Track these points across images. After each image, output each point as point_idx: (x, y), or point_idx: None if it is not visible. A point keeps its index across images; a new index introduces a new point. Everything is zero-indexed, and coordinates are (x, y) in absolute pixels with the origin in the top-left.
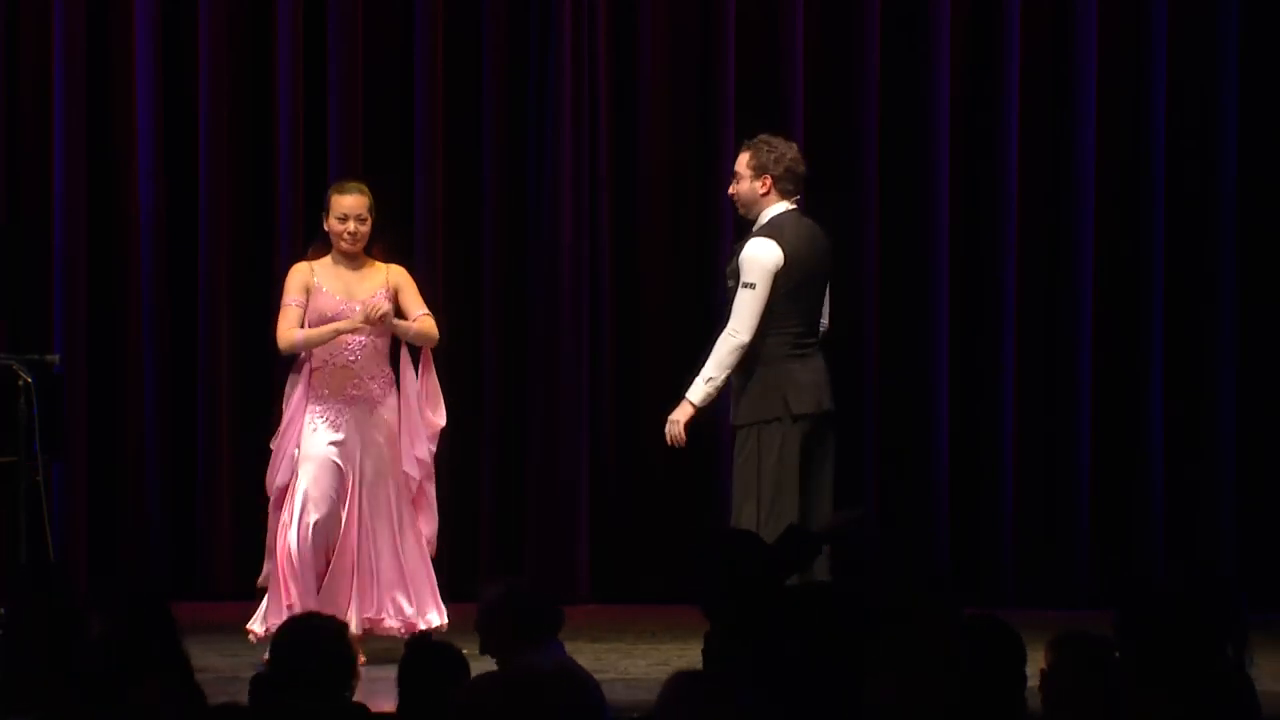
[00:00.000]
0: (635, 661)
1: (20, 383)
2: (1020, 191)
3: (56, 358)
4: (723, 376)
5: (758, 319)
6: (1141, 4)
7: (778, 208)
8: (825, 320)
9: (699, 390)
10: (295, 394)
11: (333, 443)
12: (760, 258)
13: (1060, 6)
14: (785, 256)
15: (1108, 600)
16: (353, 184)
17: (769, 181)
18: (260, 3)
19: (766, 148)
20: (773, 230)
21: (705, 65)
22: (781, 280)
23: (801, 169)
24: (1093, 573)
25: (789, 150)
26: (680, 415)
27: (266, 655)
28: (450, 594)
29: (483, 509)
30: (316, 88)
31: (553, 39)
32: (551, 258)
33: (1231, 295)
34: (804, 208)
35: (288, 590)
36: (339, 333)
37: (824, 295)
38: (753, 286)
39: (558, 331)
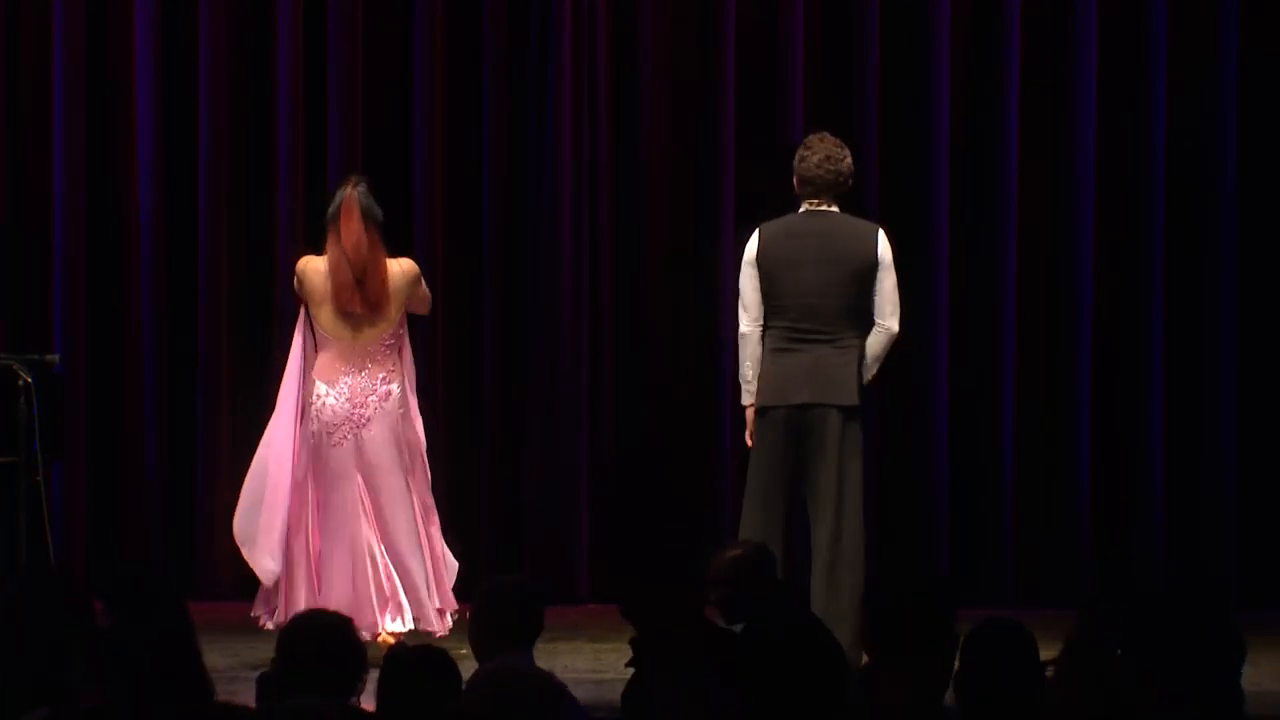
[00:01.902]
0: None
1: (20, 383)
2: (1020, 191)
3: (56, 358)
4: (743, 367)
5: (743, 307)
6: (1141, 4)
7: (801, 208)
8: (881, 318)
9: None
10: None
11: None
12: (747, 247)
13: (1060, 6)
14: (756, 253)
15: (1107, 600)
16: None
17: (795, 181)
18: (260, 3)
19: (800, 148)
20: (763, 226)
21: (705, 66)
22: (757, 275)
23: (823, 174)
24: (1093, 573)
25: (815, 155)
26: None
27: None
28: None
29: (483, 509)
30: (316, 88)
31: (553, 39)
32: (551, 257)
33: (1231, 295)
34: (844, 209)
35: None
36: None
37: (826, 293)
38: (743, 275)
39: (558, 331)
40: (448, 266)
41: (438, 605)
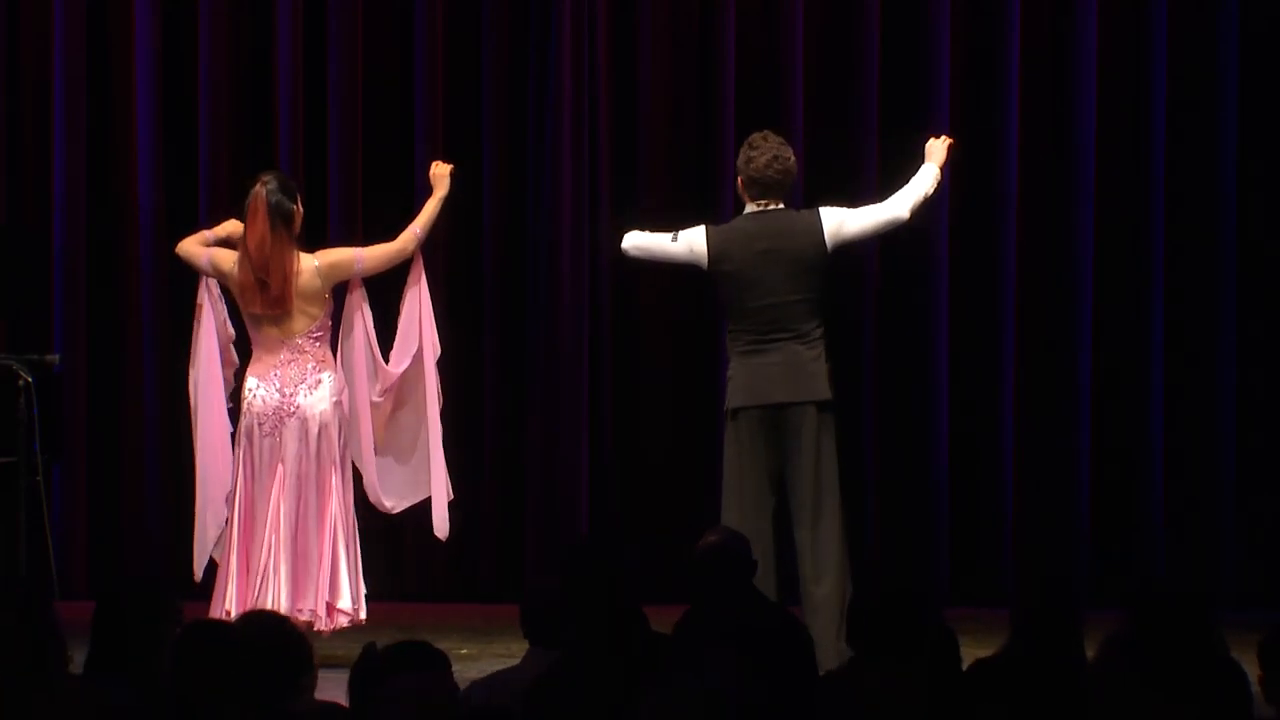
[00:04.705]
0: None
1: (20, 383)
2: (1020, 191)
3: (56, 358)
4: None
5: (640, 243)
6: (1141, 4)
7: (747, 209)
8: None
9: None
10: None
11: None
12: (691, 234)
13: (1060, 6)
14: (709, 256)
15: (1108, 600)
16: None
17: (741, 182)
18: (260, 3)
19: (745, 149)
20: (710, 229)
21: (705, 65)
22: (715, 279)
23: (772, 174)
24: (1093, 573)
25: (763, 155)
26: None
27: None
28: (450, 594)
29: (483, 509)
30: (316, 88)
31: (553, 39)
32: (551, 257)
33: (1232, 295)
34: (793, 206)
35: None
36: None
37: (788, 292)
38: (672, 236)
39: (558, 331)
40: (448, 266)
41: (327, 598)
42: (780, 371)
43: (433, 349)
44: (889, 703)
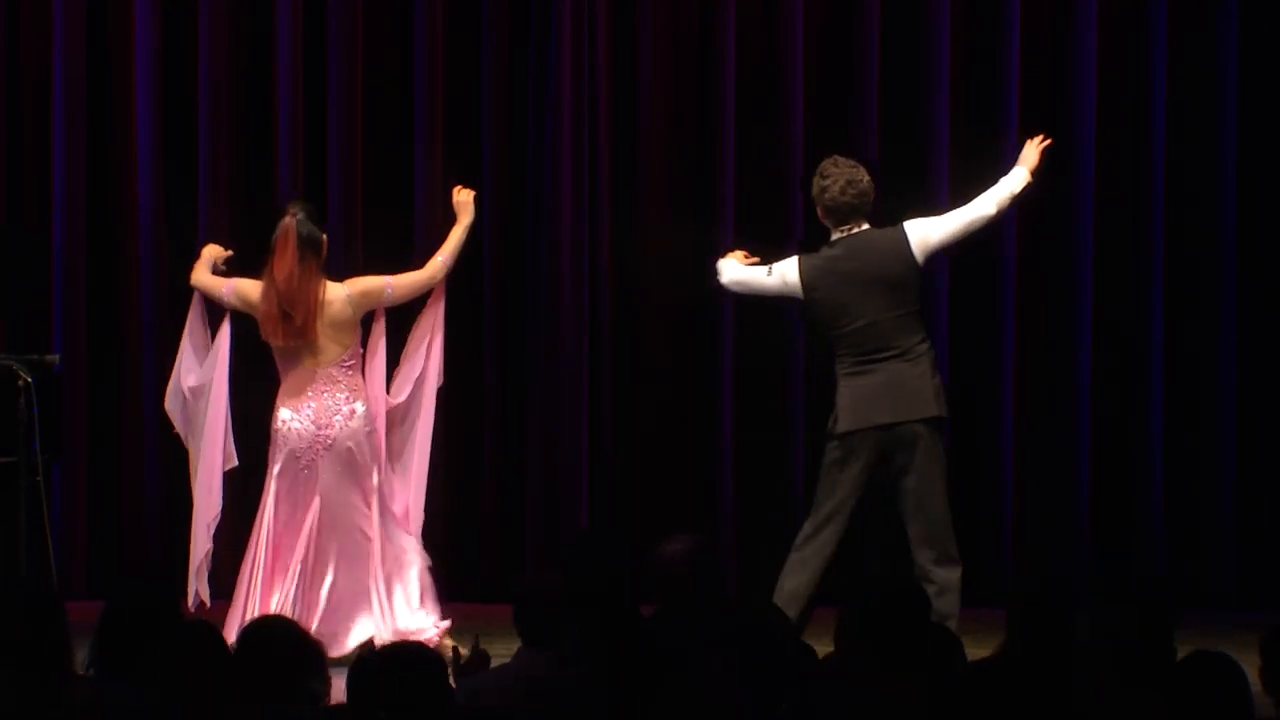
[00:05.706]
0: None
1: (20, 383)
2: (1020, 191)
3: (56, 358)
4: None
5: (739, 278)
6: (1141, 4)
7: (832, 235)
8: (985, 209)
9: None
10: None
11: None
12: (783, 266)
13: (1060, 6)
14: (803, 285)
15: (1108, 600)
16: None
17: (820, 211)
18: (260, 3)
19: (818, 178)
20: (802, 258)
21: (705, 65)
22: (810, 307)
23: (848, 199)
24: (1093, 573)
25: (836, 183)
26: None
27: None
28: (450, 594)
29: (483, 509)
30: (317, 87)
31: (553, 39)
32: (551, 257)
33: (1232, 295)
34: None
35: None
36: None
37: (881, 311)
38: (767, 270)
39: (558, 332)
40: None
41: (398, 625)
42: (885, 391)
43: (436, 378)
44: (889, 703)
